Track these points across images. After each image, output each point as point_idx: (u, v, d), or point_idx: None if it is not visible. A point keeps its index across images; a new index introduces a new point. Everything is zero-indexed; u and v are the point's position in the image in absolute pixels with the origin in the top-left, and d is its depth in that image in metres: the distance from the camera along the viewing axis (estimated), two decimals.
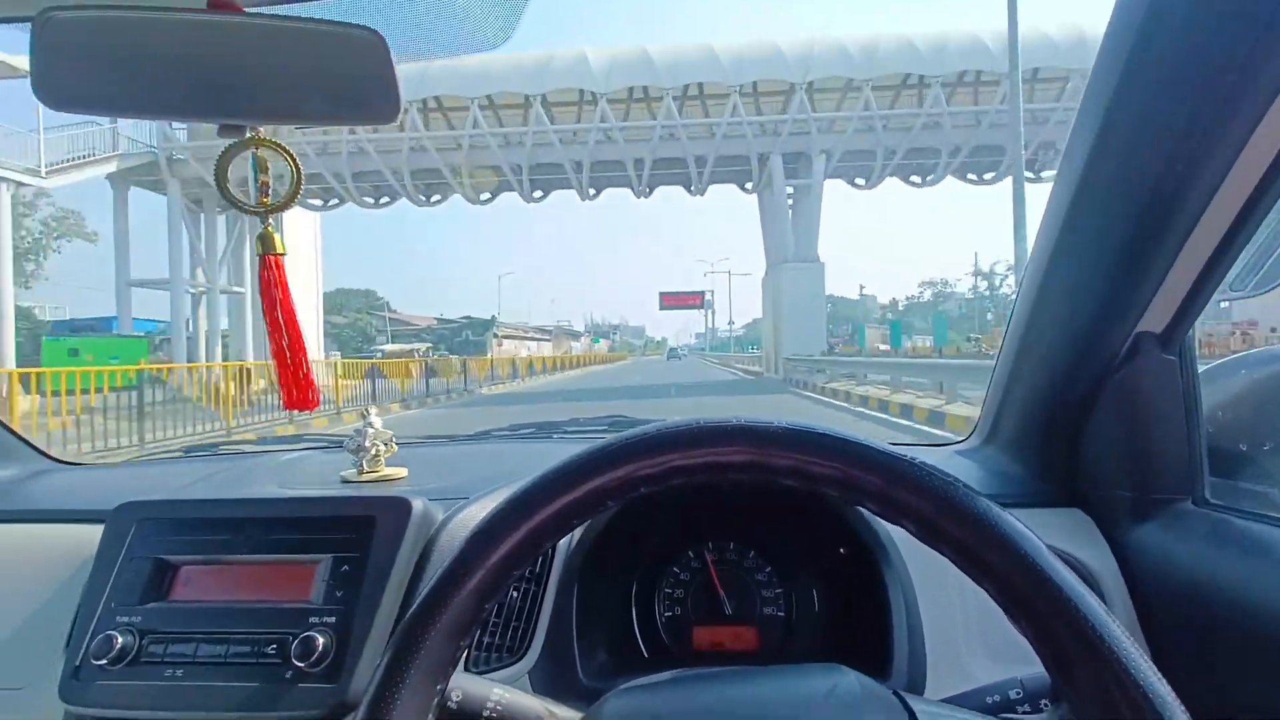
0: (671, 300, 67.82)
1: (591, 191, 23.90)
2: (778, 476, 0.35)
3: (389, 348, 33.61)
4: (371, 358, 20.06)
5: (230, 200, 0.58)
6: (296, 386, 0.58)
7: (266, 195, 0.57)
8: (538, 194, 23.81)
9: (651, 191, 24.78)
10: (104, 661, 0.57)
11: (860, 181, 23.14)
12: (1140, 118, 0.55)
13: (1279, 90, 0.47)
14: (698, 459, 0.36)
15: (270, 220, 0.58)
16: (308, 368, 0.59)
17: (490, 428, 1.36)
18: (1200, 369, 0.67)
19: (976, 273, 57.73)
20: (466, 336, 44.52)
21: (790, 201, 21.63)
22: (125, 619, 0.60)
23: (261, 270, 0.59)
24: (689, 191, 24.75)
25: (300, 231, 22.01)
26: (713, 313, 68.83)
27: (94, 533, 0.69)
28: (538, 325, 65.13)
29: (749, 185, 24.07)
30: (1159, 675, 0.30)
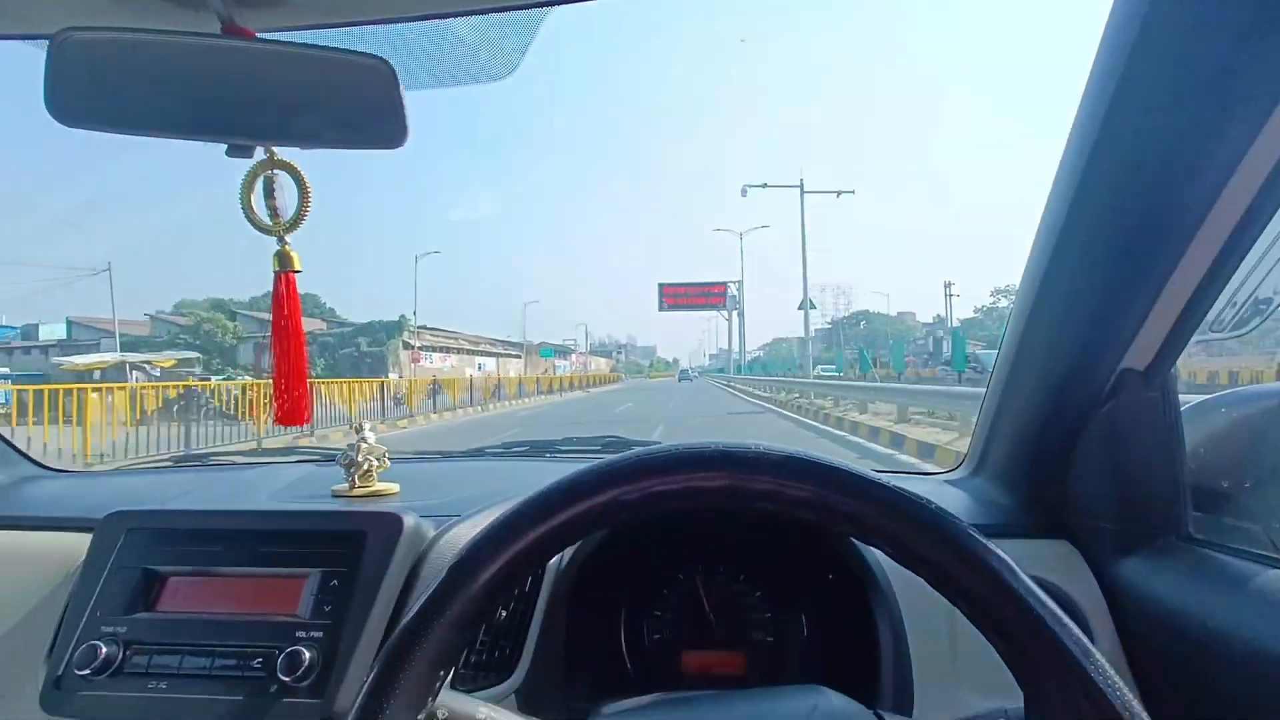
0: (678, 296, 48.34)
1: None
2: (754, 501, 0.36)
3: (80, 360, 21.89)
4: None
5: (254, 223, 0.60)
6: (292, 401, 0.59)
7: (280, 215, 0.59)
8: None
9: None
10: (87, 671, 0.57)
11: None
12: (1122, 161, 0.57)
13: (1254, 137, 0.49)
14: (677, 484, 0.36)
15: (288, 239, 0.59)
16: (305, 385, 0.60)
17: (483, 445, 1.37)
18: (1183, 407, 0.69)
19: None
20: (359, 347, 32.25)
21: None
22: (110, 629, 0.60)
23: (277, 286, 0.61)
24: None
25: None
26: (740, 317, 47.44)
27: (81, 541, 0.68)
28: (503, 339, 51.22)
29: None
30: (1126, 688, 0.30)
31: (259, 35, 0.55)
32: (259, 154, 0.59)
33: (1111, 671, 0.30)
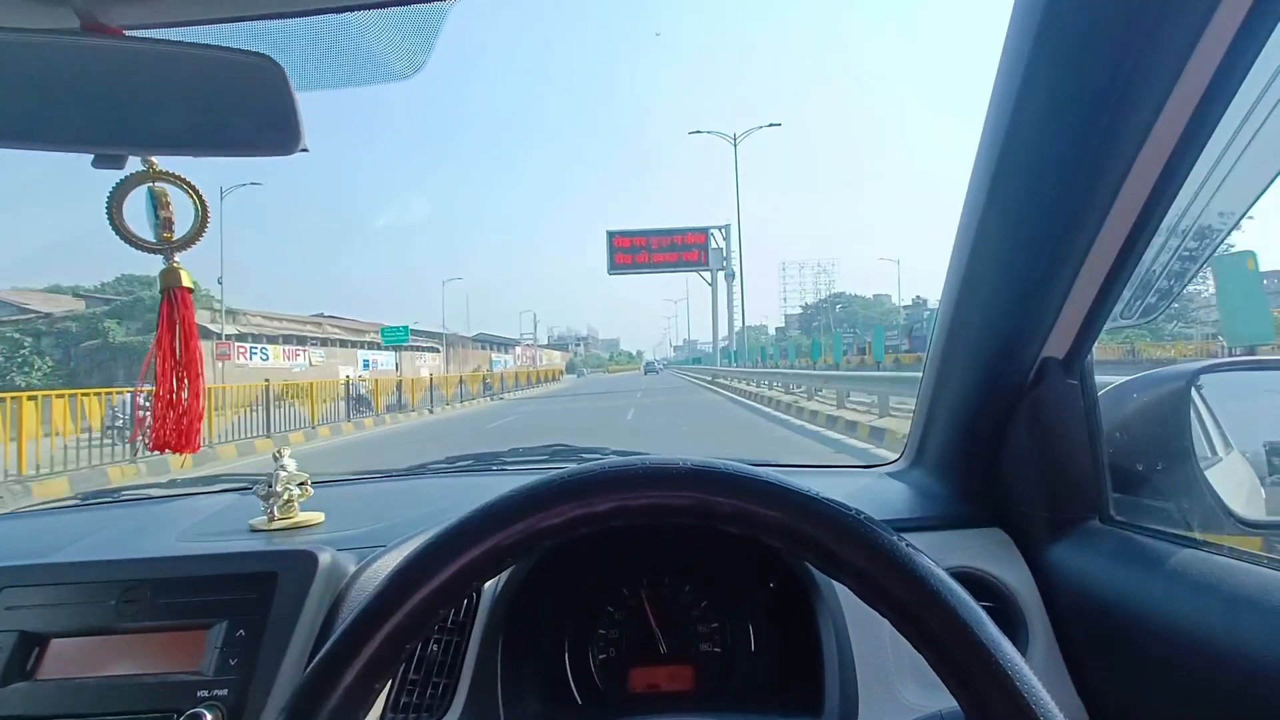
0: (636, 252, 34.82)
1: None
2: (679, 518, 0.35)
3: None
4: None
5: (125, 238, 0.54)
6: (179, 425, 0.54)
7: (170, 230, 0.54)
8: None
9: None
10: None
11: None
12: (1031, 158, 0.59)
13: (1144, 141, 0.52)
14: (641, 501, 0.35)
15: (175, 256, 0.54)
16: (200, 409, 0.55)
17: (426, 460, 1.31)
18: (1100, 392, 0.71)
19: None
20: (109, 336, 20.42)
21: None
22: None
23: (163, 304, 0.55)
24: None
25: None
26: (730, 280, 35.04)
27: None
28: (426, 330, 39.94)
29: None
30: (1044, 692, 0.30)
31: (126, 33, 0.50)
32: (135, 164, 0.54)
33: (1034, 680, 0.30)
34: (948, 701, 0.46)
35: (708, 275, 37.32)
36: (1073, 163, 0.55)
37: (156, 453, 0.58)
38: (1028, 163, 0.59)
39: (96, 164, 0.51)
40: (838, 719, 0.63)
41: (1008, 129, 0.58)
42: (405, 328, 29.32)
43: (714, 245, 36.01)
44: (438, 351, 39.32)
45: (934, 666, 0.32)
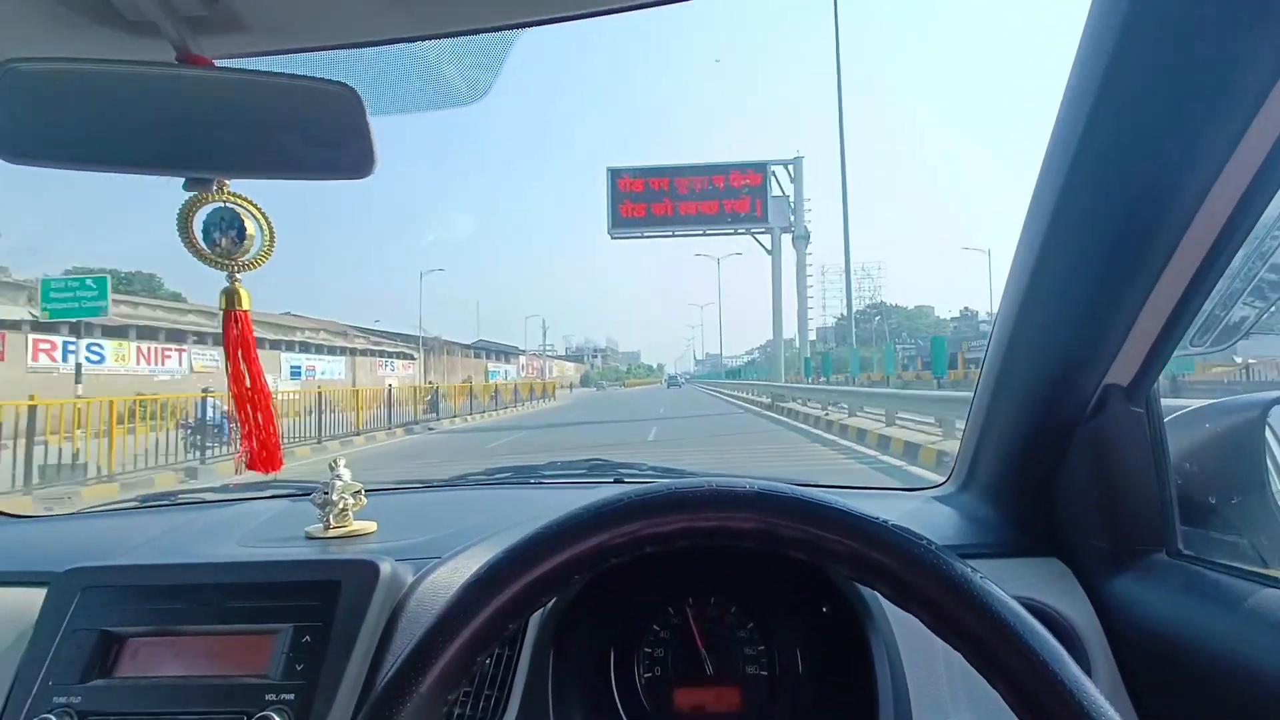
0: (646, 200, 22.81)
1: None
2: (745, 541, 0.35)
3: None
4: None
5: (196, 253, 0.57)
6: (264, 447, 0.57)
7: (237, 251, 0.56)
8: None
9: None
10: None
11: None
12: (1100, 180, 0.58)
13: (1229, 157, 0.50)
14: (708, 523, 0.35)
15: (238, 276, 0.57)
16: (274, 428, 0.57)
17: (466, 472, 1.33)
18: (1166, 419, 0.69)
19: None
20: None
21: None
22: (63, 699, 0.56)
23: (227, 325, 0.58)
24: None
25: None
26: (801, 242, 22.34)
27: (36, 597, 0.64)
28: (401, 333, 33.41)
29: None
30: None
31: (217, 64, 0.53)
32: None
33: (1108, 709, 0.30)
34: None
35: (766, 238, 22.91)
36: (1151, 174, 0.54)
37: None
38: (1100, 175, 0.57)
39: (188, 187, 0.54)
40: None
41: (1080, 138, 0.56)
42: (97, 281, 9.20)
43: (775, 192, 22.19)
44: (412, 358, 32.32)
45: (1010, 703, 0.32)
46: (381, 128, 0.53)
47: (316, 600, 0.59)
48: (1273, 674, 0.49)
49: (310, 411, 11.52)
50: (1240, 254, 0.55)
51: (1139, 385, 0.66)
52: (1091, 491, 0.70)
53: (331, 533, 0.78)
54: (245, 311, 0.58)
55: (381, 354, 30.56)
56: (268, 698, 0.55)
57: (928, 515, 0.91)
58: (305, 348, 25.53)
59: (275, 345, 23.24)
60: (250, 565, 0.66)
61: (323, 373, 24.40)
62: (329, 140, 0.54)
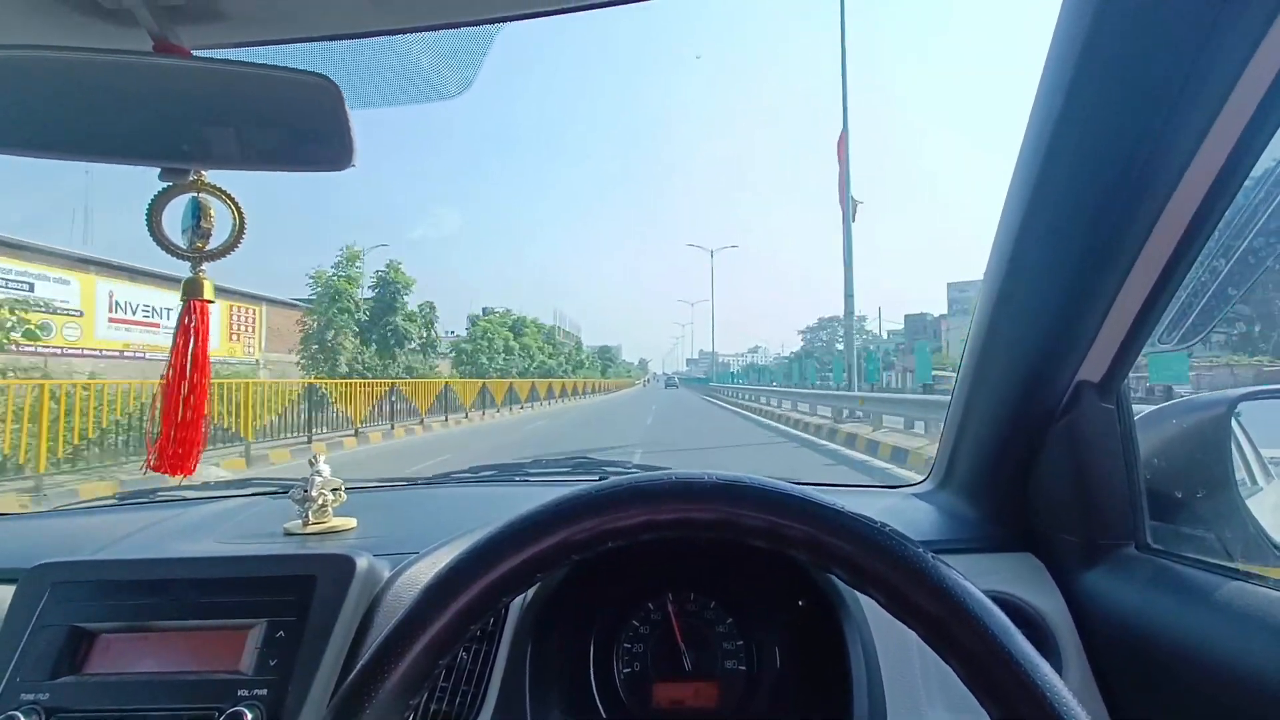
0: None
1: None
2: (707, 531, 0.35)
3: None
4: None
5: (160, 243, 0.56)
6: (181, 445, 0.53)
7: (205, 241, 0.55)
8: None
9: None
10: None
11: None
12: (1070, 179, 0.59)
13: (1193, 155, 0.51)
14: (669, 515, 0.35)
15: (203, 267, 0.56)
16: (198, 430, 0.54)
17: (450, 470, 1.33)
18: (1136, 416, 0.70)
19: None
20: None
21: None
22: (30, 695, 0.55)
23: (183, 315, 0.56)
24: None
25: None
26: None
27: (5, 594, 0.63)
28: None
29: None
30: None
31: (194, 54, 0.52)
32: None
33: (1065, 692, 0.30)
34: None
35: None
36: (1117, 176, 0.55)
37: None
38: (1069, 175, 0.58)
39: (163, 177, 0.54)
40: None
41: (1050, 137, 0.57)
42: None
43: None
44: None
45: (965, 680, 0.32)
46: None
47: (292, 595, 0.59)
48: (1239, 665, 0.50)
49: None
50: (1205, 251, 0.57)
51: (1110, 381, 0.67)
52: (1064, 487, 0.71)
53: (310, 529, 0.77)
54: (208, 302, 0.56)
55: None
56: (240, 693, 0.54)
57: (906, 511, 0.92)
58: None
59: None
60: (225, 560, 0.65)
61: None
62: (307, 132, 0.54)
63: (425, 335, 16.98)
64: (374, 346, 15.38)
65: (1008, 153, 0.65)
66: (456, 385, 16.96)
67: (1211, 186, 0.52)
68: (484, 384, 19.06)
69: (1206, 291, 0.61)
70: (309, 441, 10.49)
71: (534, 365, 28.08)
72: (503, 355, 24.56)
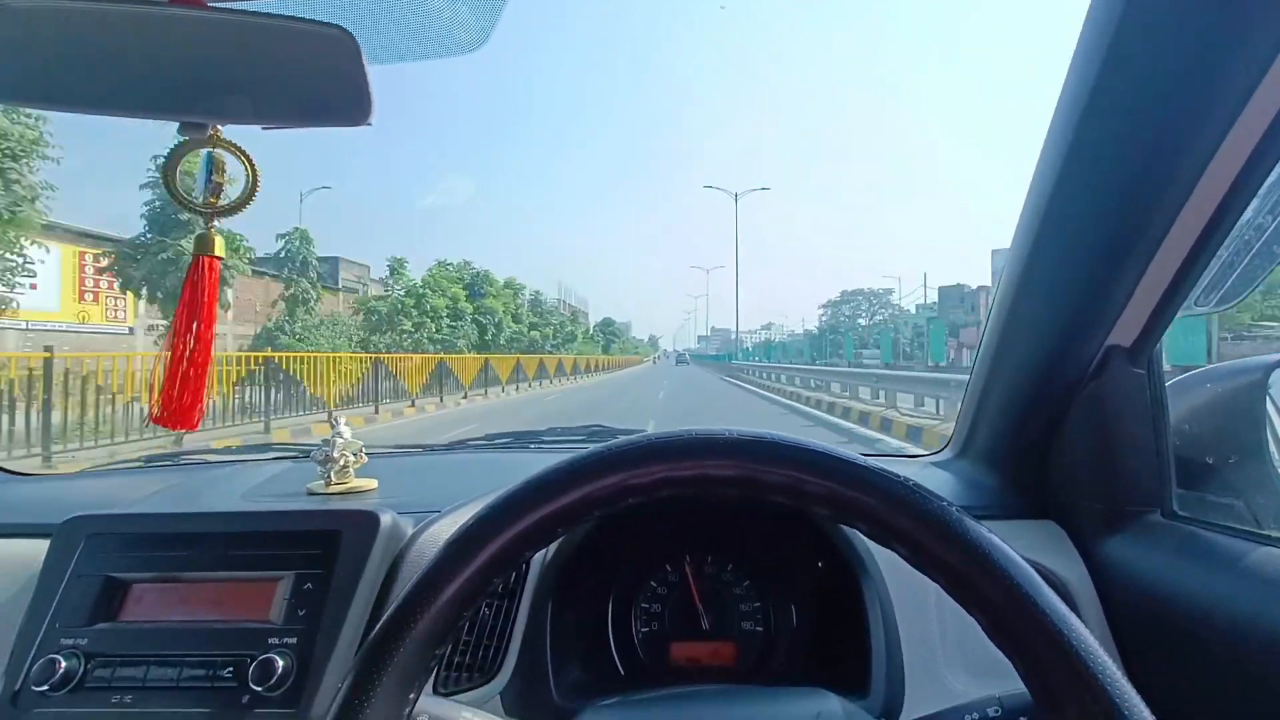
0: None
1: None
2: (727, 488, 0.35)
3: None
4: None
5: (176, 197, 0.56)
6: (183, 400, 0.54)
7: (217, 196, 0.55)
8: None
9: None
10: (45, 687, 0.54)
11: None
12: (1106, 138, 0.57)
13: (1237, 115, 0.49)
14: (688, 471, 0.35)
15: (214, 222, 0.56)
16: (203, 384, 0.55)
17: (466, 437, 1.34)
18: (1168, 382, 0.69)
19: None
20: None
21: None
22: (70, 641, 0.57)
23: (192, 269, 0.56)
24: None
25: None
26: None
27: (40, 548, 0.65)
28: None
29: None
30: (1143, 704, 0.29)
31: (210, 4, 0.51)
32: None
33: (1091, 641, 0.30)
34: (995, 690, 0.46)
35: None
36: (1159, 131, 0.52)
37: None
38: (1106, 133, 0.56)
39: (182, 131, 0.53)
40: (883, 701, 0.63)
41: (1085, 107, 0.55)
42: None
43: None
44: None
45: (988, 632, 0.32)
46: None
47: (318, 550, 0.60)
48: (1265, 630, 0.50)
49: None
50: (1249, 211, 0.55)
51: (1141, 346, 0.66)
52: (1089, 453, 0.70)
53: (333, 489, 0.79)
54: (218, 258, 0.56)
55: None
56: (270, 641, 0.56)
57: (925, 479, 0.91)
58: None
59: None
60: (253, 515, 0.66)
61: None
62: (325, 86, 0.53)
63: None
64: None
65: (1047, 109, 0.62)
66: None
67: (1258, 143, 0.50)
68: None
69: (1250, 250, 0.59)
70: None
71: (501, 337, 22.18)
72: (447, 321, 19.34)
